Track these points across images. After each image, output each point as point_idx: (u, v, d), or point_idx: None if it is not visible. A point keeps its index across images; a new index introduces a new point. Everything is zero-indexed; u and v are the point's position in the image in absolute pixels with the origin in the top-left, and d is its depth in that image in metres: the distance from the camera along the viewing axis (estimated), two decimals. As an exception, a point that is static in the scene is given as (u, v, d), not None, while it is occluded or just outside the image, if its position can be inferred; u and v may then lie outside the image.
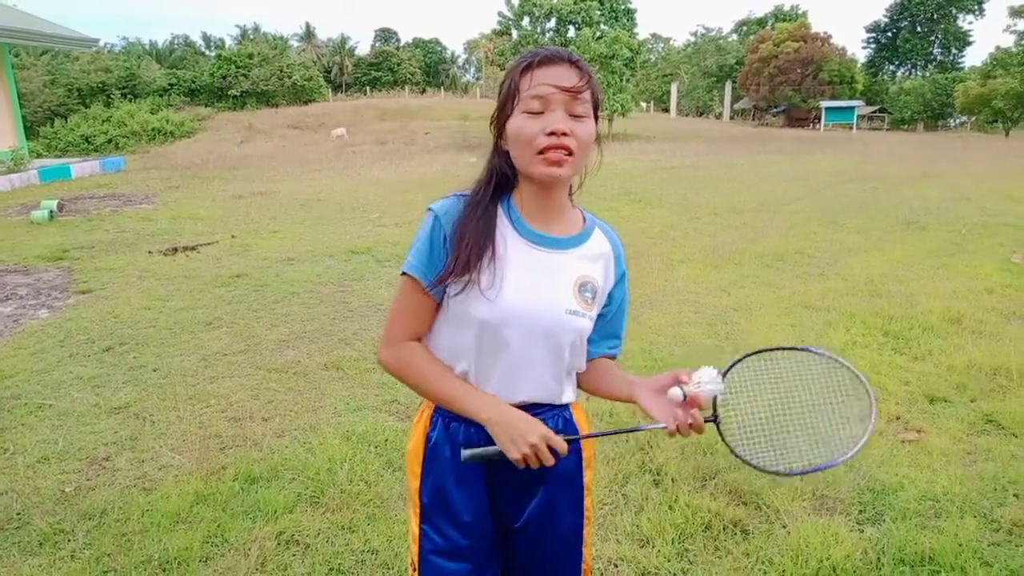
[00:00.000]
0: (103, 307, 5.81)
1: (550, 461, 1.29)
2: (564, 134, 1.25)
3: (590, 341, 1.47)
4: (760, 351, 1.45)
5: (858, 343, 4.80)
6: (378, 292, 6.17)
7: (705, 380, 1.31)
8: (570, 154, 1.27)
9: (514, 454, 1.27)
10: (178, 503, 2.91)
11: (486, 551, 1.44)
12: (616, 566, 2.53)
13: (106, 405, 3.91)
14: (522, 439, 1.27)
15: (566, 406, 1.47)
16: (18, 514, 2.87)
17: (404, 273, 1.37)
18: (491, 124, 1.38)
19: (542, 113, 1.26)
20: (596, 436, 1.47)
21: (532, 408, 1.38)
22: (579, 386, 1.53)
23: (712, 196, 12.22)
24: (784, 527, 2.72)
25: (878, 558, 2.53)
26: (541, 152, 1.26)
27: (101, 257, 7.72)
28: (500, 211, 1.37)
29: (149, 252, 7.92)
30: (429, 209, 1.37)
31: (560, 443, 1.29)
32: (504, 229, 1.36)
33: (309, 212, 10.75)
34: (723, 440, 1.43)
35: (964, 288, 6.13)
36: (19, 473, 3.20)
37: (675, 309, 5.63)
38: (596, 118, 1.33)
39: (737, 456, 1.42)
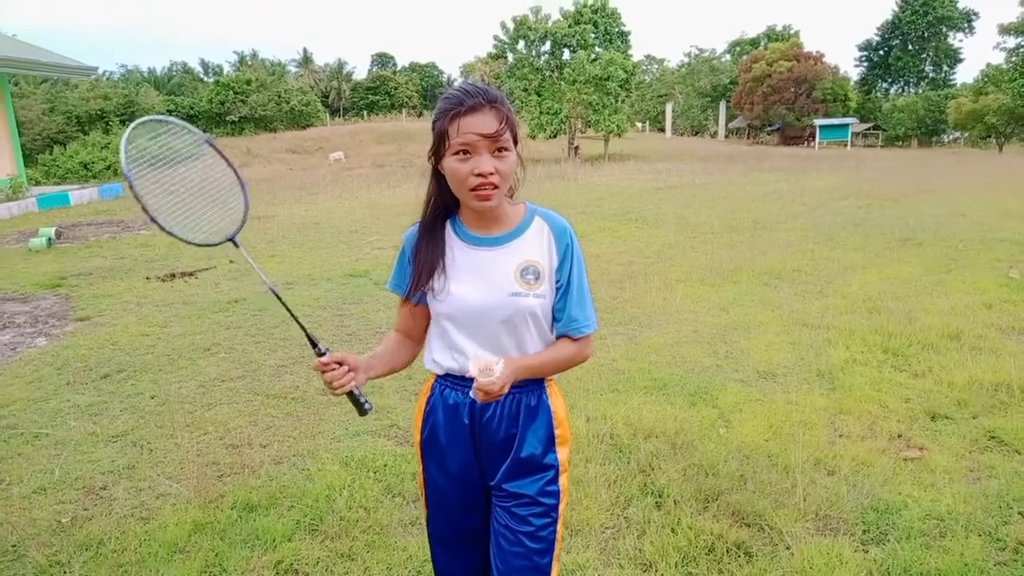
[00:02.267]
0: (101, 334, 5.80)
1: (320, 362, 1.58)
2: (490, 173, 1.50)
3: (556, 319, 1.67)
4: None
5: (858, 360, 4.79)
6: (376, 315, 6.17)
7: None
8: (496, 187, 1.52)
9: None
10: (176, 532, 2.88)
11: (472, 498, 1.74)
12: (619, 591, 2.50)
13: (103, 433, 3.89)
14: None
15: (541, 383, 1.70)
16: (14, 546, 2.84)
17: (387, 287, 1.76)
18: (429, 158, 1.61)
19: (470, 155, 1.50)
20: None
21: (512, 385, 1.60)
22: None
23: (708, 215, 12.26)
24: (788, 549, 2.69)
25: (884, 579, 2.51)
26: (472, 189, 1.51)
27: (99, 284, 7.71)
28: (448, 227, 1.66)
29: (147, 278, 7.92)
30: (403, 236, 1.72)
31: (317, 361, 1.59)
32: (451, 241, 1.65)
33: (307, 236, 10.77)
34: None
35: (962, 304, 6.13)
36: (15, 504, 3.17)
37: (674, 328, 5.63)
38: (516, 141, 1.56)
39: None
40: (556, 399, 1.72)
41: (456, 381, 1.68)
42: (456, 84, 1.62)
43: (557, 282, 1.65)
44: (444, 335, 1.67)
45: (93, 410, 4.23)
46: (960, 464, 3.35)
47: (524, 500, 1.66)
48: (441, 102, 1.55)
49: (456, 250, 1.64)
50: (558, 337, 1.69)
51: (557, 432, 1.70)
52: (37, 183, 22.14)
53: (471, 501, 1.74)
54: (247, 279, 7.78)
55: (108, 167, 27.94)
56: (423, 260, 1.63)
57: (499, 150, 1.51)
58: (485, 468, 1.70)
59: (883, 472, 3.26)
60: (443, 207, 1.65)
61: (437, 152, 1.56)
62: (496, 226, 1.63)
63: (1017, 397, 4.06)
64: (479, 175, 1.49)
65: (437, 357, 1.70)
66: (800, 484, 3.11)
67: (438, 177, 1.62)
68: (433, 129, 1.56)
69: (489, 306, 1.60)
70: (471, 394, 1.52)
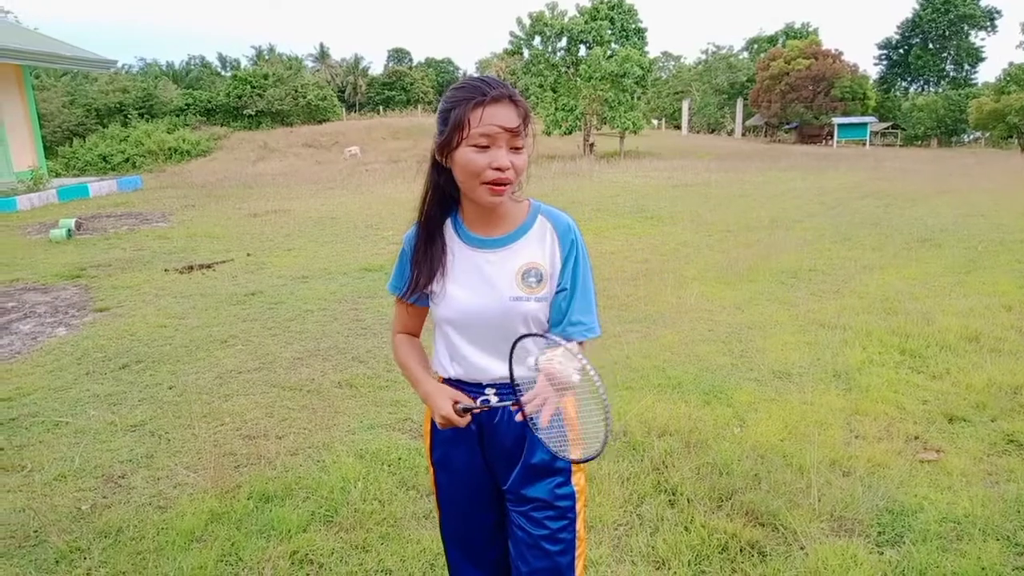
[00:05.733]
0: (120, 325, 5.86)
1: (461, 424, 1.54)
2: (507, 168, 1.46)
3: (555, 323, 1.60)
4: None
5: (875, 361, 4.76)
6: (391, 309, 6.14)
7: (558, 358, 1.35)
8: (510, 183, 1.49)
9: (438, 422, 1.58)
10: (193, 521, 2.91)
11: (482, 499, 1.72)
12: (632, 588, 2.50)
13: (122, 423, 3.94)
14: (436, 417, 1.57)
15: None
16: (35, 532, 2.89)
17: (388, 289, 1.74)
18: (436, 148, 1.54)
19: (488, 148, 1.45)
20: (484, 408, 1.57)
21: (515, 384, 1.53)
22: None
23: (725, 213, 12.20)
24: (802, 549, 2.69)
25: (899, 581, 2.49)
26: (486, 183, 1.47)
27: (118, 275, 7.80)
28: (448, 226, 1.62)
29: (165, 270, 8.00)
30: (404, 237, 1.68)
31: (456, 420, 1.53)
32: (451, 242, 1.61)
33: (323, 230, 10.83)
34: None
35: (981, 305, 6.07)
36: (36, 491, 3.22)
37: (688, 326, 5.61)
38: (528, 135, 1.51)
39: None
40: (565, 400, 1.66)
41: (460, 387, 1.64)
42: (464, 74, 1.54)
43: (560, 283, 1.58)
44: (446, 340, 1.64)
45: (112, 400, 4.29)
46: (978, 467, 3.32)
47: (538, 504, 1.63)
48: (456, 91, 1.49)
49: (456, 251, 1.60)
50: None
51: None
52: (57, 175, 22.40)
53: (482, 501, 1.72)
54: (264, 272, 7.84)
55: (127, 159, 28.24)
56: (422, 262, 1.59)
57: (516, 148, 1.47)
58: (495, 472, 1.69)
59: (899, 474, 3.24)
60: (443, 204, 1.60)
61: (449, 142, 1.48)
62: (499, 226, 1.59)
63: (1036, 400, 4.02)
64: (497, 168, 1.44)
65: (443, 361, 1.67)
66: (815, 484, 3.10)
67: (439, 170, 1.56)
68: (444, 118, 1.49)
69: (488, 311, 1.56)
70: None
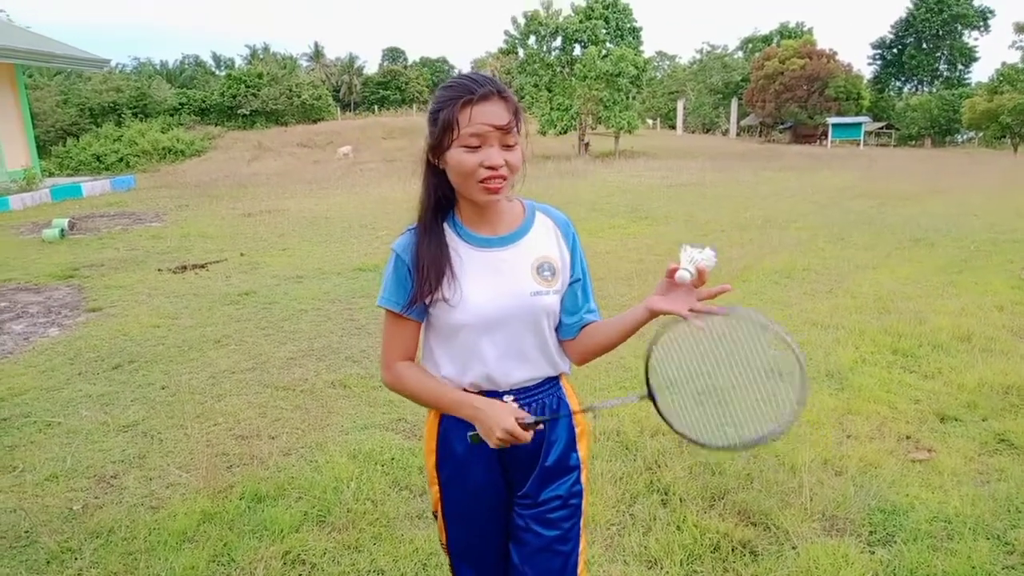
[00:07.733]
0: (113, 325, 5.84)
1: (525, 440, 1.47)
2: (501, 166, 1.43)
3: (571, 312, 1.63)
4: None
5: (867, 361, 4.77)
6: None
7: (699, 256, 1.37)
8: (504, 179, 1.45)
9: (492, 443, 1.48)
10: (185, 522, 2.91)
11: (497, 511, 1.67)
12: (624, 587, 2.51)
13: (114, 423, 3.93)
14: (492, 434, 1.47)
15: (558, 383, 1.67)
16: (26, 532, 2.88)
17: (381, 306, 1.59)
18: (428, 150, 1.51)
19: (479, 147, 1.43)
20: (553, 420, 1.61)
21: (532, 388, 1.60)
22: (580, 355, 1.66)
23: (718, 213, 12.22)
24: (794, 548, 2.69)
25: (889, 580, 2.50)
26: (481, 181, 1.44)
27: (111, 275, 7.77)
28: (447, 228, 1.56)
29: (159, 270, 7.97)
30: (392, 248, 1.59)
31: (522, 435, 1.46)
32: (455, 243, 1.55)
33: (317, 230, 10.81)
34: (660, 415, 1.51)
35: (973, 305, 6.09)
36: (27, 491, 3.21)
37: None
38: (520, 131, 1.49)
39: (677, 432, 1.51)
40: (572, 396, 1.68)
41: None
42: (457, 73, 1.54)
43: (572, 275, 1.61)
44: (458, 349, 1.56)
45: (104, 400, 4.27)
46: (969, 467, 3.33)
47: (554, 504, 1.62)
48: (445, 91, 1.46)
49: (463, 253, 1.54)
50: (574, 329, 1.62)
51: (577, 430, 1.67)
52: (51, 174, 22.29)
53: (497, 516, 1.68)
54: (257, 272, 7.83)
55: (120, 159, 28.13)
56: (428, 265, 1.51)
57: (509, 145, 1.44)
58: (513, 481, 1.65)
59: (891, 473, 3.25)
60: (441, 206, 1.56)
61: (440, 144, 1.46)
62: (500, 225, 1.57)
63: (1027, 400, 4.04)
64: (489, 167, 1.42)
65: (449, 374, 1.59)
66: (807, 484, 3.10)
67: (434, 172, 1.53)
68: (434, 119, 1.47)
69: (512, 309, 1.53)
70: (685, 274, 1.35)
